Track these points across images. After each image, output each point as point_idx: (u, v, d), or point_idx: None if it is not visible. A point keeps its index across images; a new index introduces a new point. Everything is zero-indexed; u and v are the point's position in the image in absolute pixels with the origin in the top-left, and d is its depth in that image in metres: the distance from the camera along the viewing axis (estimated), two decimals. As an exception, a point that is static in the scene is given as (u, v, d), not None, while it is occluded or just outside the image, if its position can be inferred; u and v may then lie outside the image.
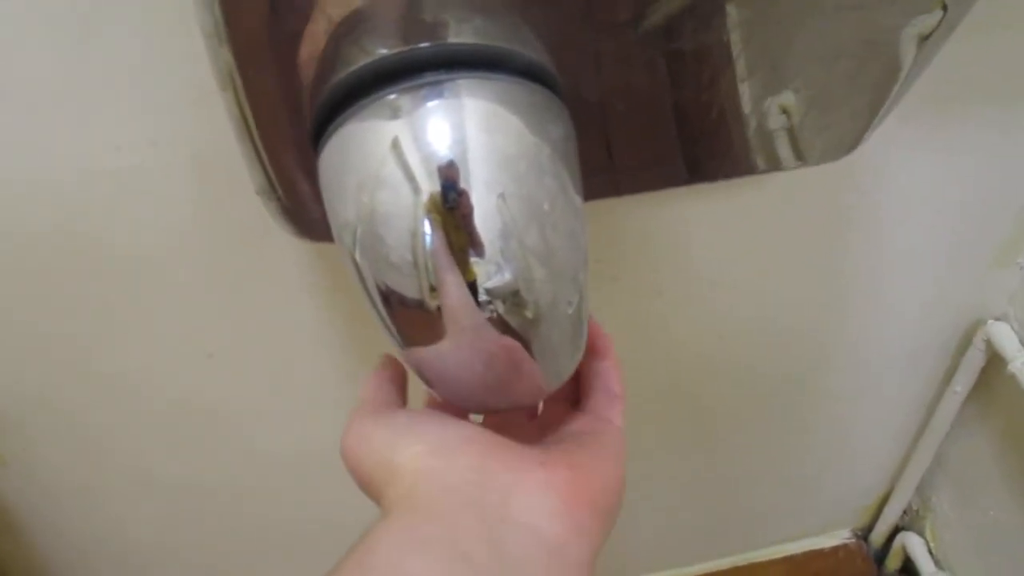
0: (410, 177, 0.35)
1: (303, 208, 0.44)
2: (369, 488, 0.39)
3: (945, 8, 0.45)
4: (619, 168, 0.50)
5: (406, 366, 0.43)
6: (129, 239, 0.62)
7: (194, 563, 0.99)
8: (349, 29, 0.36)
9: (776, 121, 0.49)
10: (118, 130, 0.56)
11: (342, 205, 0.37)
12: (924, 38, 0.46)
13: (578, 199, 0.39)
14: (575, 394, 0.48)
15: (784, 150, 0.51)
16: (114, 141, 0.57)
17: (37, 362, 0.72)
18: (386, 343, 0.41)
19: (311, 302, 0.69)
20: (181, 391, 0.75)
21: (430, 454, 0.37)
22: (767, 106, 0.47)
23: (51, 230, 0.61)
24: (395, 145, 0.35)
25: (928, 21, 0.45)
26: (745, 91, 0.46)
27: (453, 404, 0.42)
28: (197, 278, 0.66)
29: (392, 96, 0.36)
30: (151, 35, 0.51)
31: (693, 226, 0.73)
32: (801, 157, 0.53)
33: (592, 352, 0.47)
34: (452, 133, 0.35)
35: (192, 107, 0.55)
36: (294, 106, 0.39)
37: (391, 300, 0.38)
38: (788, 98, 0.47)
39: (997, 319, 0.91)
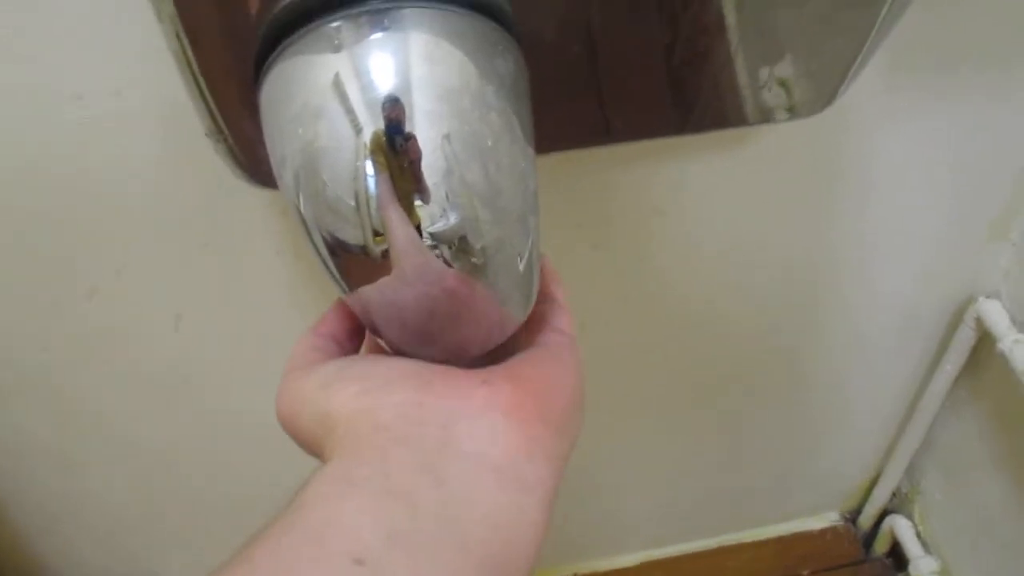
0: (350, 113, 0.34)
1: (251, 150, 0.43)
2: (313, 448, 0.37)
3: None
4: (606, 112, 0.49)
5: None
6: (93, 193, 0.61)
7: (164, 531, 0.98)
8: (290, -45, 0.34)
9: (756, 66, 0.47)
10: (80, 79, 0.55)
11: (280, 141, 0.36)
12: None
13: (527, 140, 0.37)
14: None
15: (764, 99, 0.50)
16: (75, 90, 0.55)
17: (6, 322, 0.71)
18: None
19: (281, 261, 0.68)
20: (149, 352, 0.74)
21: (362, 394, 0.35)
22: (744, 48, 0.46)
23: (11, 184, 0.60)
24: (335, 78, 0.34)
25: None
26: (722, 30, 0.44)
27: (399, 352, 0.40)
28: (165, 235, 0.65)
29: (333, 26, 0.34)
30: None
31: (676, 192, 0.71)
32: (783, 108, 0.51)
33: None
34: (394, 65, 0.34)
35: (158, 55, 0.52)
36: (235, 37, 0.37)
37: (333, 245, 0.36)
38: (766, 42, 0.46)
39: (988, 296, 0.90)
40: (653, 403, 0.98)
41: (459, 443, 0.32)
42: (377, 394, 0.35)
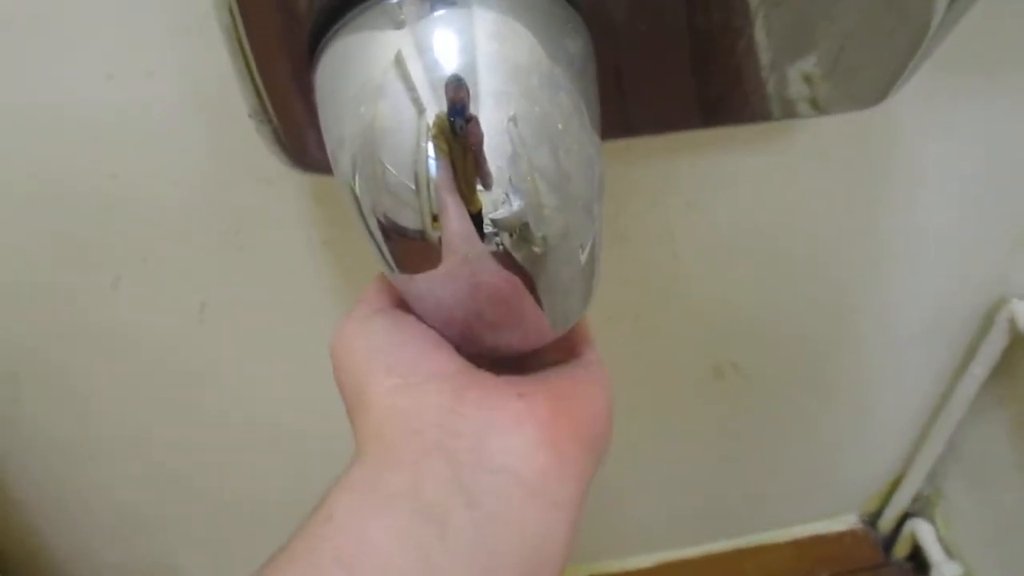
0: (413, 92, 0.32)
1: (297, 133, 0.42)
2: (348, 408, 0.37)
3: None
4: (631, 104, 0.47)
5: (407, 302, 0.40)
6: (121, 177, 0.59)
7: (182, 529, 0.97)
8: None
9: (803, 62, 0.46)
10: (111, 59, 0.53)
11: (338, 121, 0.34)
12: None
13: (594, 125, 0.36)
14: None
15: (808, 95, 0.48)
16: (106, 70, 0.54)
17: (26, 312, 0.69)
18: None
19: (312, 251, 0.66)
20: (171, 343, 0.72)
21: (400, 390, 0.34)
22: (794, 43, 0.44)
23: (36, 167, 0.58)
24: (397, 57, 0.32)
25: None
26: (774, 21, 0.43)
27: (451, 343, 0.39)
28: (193, 221, 0.63)
29: (395, 1, 0.33)
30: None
31: (709, 183, 0.70)
32: (827, 104, 0.50)
33: None
34: (459, 43, 0.32)
35: (192, 36, 0.52)
36: (289, 12, 0.36)
37: (389, 228, 0.35)
38: (818, 36, 0.44)
39: (1022, 298, 0.88)
40: (673, 399, 0.97)
41: (491, 457, 0.32)
42: (413, 394, 0.34)
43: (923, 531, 1.18)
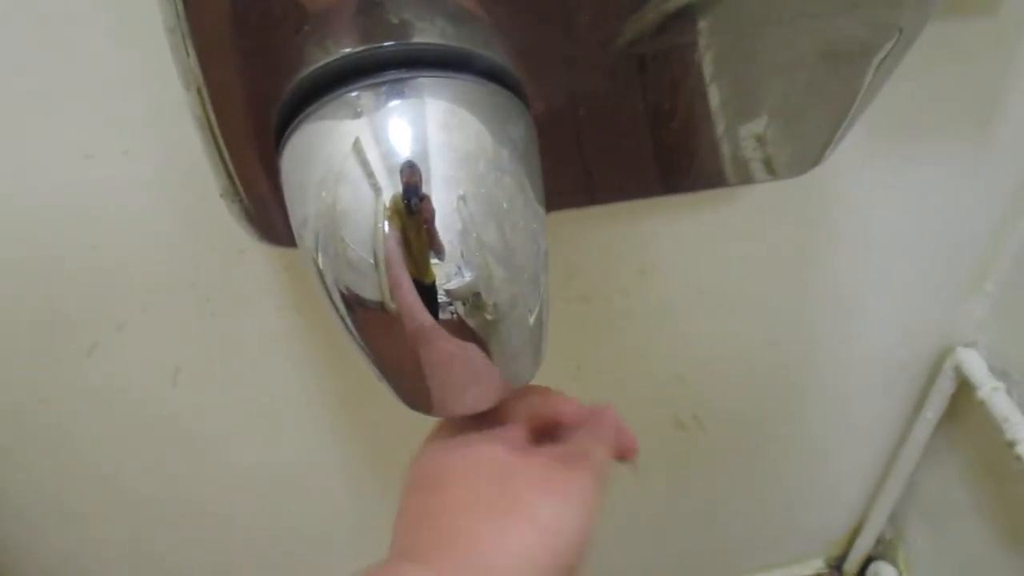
0: (371, 177, 0.35)
1: (265, 210, 0.44)
2: None
3: (901, 31, 0.46)
4: (592, 176, 0.50)
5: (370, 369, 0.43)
6: (98, 249, 0.62)
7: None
8: (314, 27, 0.36)
9: (742, 132, 0.50)
10: (89, 139, 0.56)
11: (303, 202, 0.37)
12: (881, 60, 0.47)
13: (538, 201, 0.39)
14: None
15: (750, 162, 0.52)
16: (85, 150, 0.56)
17: (8, 376, 0.71)
18: (356, 360, 0.41)
19: (281, 316, 0.69)
20: (147, 406, 0.74)
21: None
22: (732, 116, 0.48)
23: (18, 241, 0.61)
24: (356, 144, 0.36)
25: (885, 44, 0.46)
26: (711, 99, 0.46)
27: (413, 408, 0.42)
28: (166, 290, 0.66)
29: (354, 94, 0.36)
30: (124, 44, 0.51)
31: (664, 246, 0.73)
32: (768, 170, 0.53)
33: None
34: (413, 132, 0.35)
35: (166, 118, 0.55)
36: (257, 104, 0.39)
37: (350, 300, 0.38)
38: (753, 109, 0.48)
39: (966, 346, 0.92)
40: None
41: None
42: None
43: (886, 573, 1.20)
